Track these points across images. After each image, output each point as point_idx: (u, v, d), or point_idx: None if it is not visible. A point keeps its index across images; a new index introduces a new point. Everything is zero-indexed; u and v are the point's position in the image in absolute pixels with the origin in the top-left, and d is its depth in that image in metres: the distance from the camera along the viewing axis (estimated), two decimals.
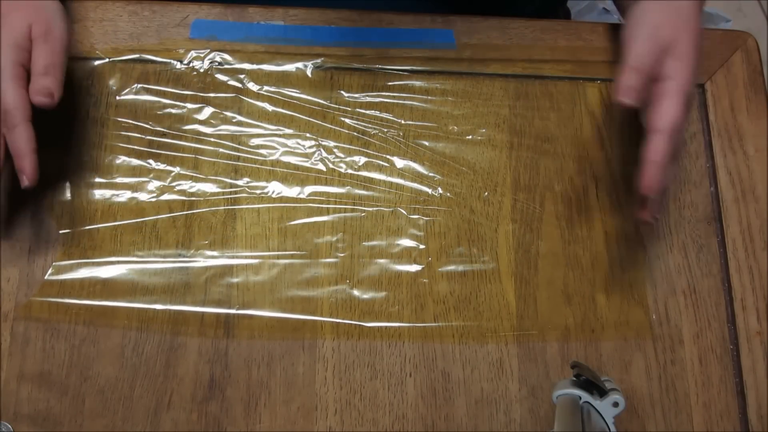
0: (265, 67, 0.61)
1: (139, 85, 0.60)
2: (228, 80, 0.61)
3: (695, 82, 0.53)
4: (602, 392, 0.47)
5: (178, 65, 0.61)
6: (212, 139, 0.59)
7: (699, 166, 0.61)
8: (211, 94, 0.60)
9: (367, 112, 0.61)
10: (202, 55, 0.61)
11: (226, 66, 0.61)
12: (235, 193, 0.58)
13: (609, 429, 0.46)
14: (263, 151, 0.59)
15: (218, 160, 0.59)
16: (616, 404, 0.47)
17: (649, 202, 0.54)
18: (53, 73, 0.51)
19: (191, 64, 0.61)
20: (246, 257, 0.56)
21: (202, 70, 0.61)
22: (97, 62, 0.60)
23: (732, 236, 0.59)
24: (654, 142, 0.51)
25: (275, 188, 0.58)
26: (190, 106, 0.60)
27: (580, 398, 0.47)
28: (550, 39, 0.64)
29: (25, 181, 0.50)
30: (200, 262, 0.56)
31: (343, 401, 0.54)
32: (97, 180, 0.57)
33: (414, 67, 0.62)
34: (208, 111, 0.60)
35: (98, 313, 0.54)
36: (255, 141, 0.59)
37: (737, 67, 0.64)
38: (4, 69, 0.50)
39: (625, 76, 0.52)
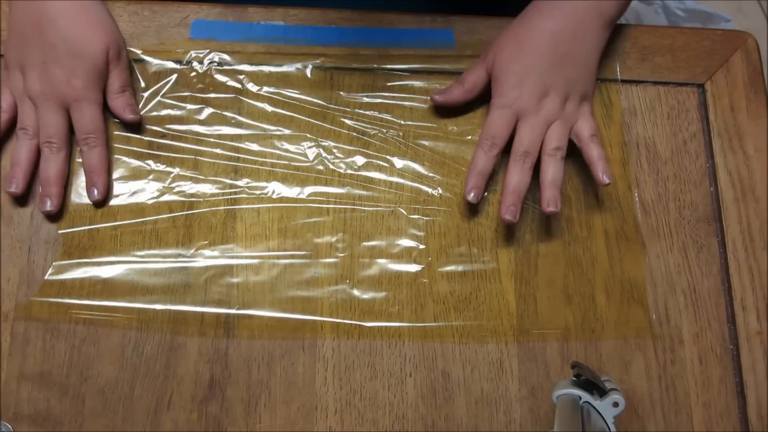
0: (265, 67, 0.61)
1: (139, 87, 0.60)
2: (227, 81, 0.61)
3: (520, 87, 0.58)
4: (602, 392, 0.47)
5: (178, 66, 0.61)
6: (212, 140, 0.59)
7: (699, 166, 0.61)
8: (211, 95, 0.60)
9: (367, 112, 0.61)
10: (201, 56, 0.61)
11: (225, 67, 0.61)
12: (235, 193, 0.58)
13: (609, 429, 0.46)
14: (263, 152, 0.59)
15: (218, 161, 0.59)
16: (616, 404, 0.47)
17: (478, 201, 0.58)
18: (129, 92, 0.58)
19: (191, 65, 0.61)
20: (246, 257, 0.56)
21: (201, 71, 0.61)
22: None
23: (732, 236, 0.59)
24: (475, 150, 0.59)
25: (275, 188, 0.58)
26: (189, 106, 0.60)
27: (580, 398, 0.47)
28: None
29: (97, 196, 0.56)
30: (200, 262, 0.56)
31: (343, 401, 0.54)
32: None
33: (414, 66, 0.62)
34: (207, 111, 0.60)
35: (98, 314, 0.54)
36: (255, 141, 0.59)
37: (737, 67, 0.64)
38: (88, 94, 0.56)
39: None
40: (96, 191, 0.56)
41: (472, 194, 0.57)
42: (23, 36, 0.55)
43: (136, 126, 0.59)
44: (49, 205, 0.55)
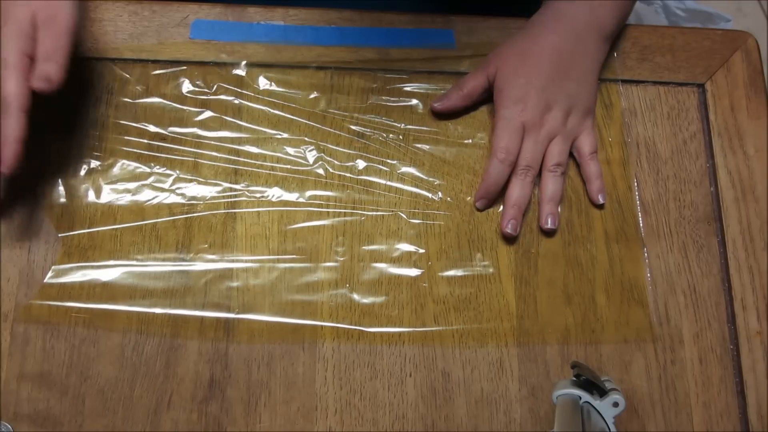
0: (265, 69, 0.61)
1: (139, 88, 0.60)
2: (227, 84, 0.60)
3: (525, 101, 0.58)
4: (602, 392, 0.47)
5: (178, 68, 0.61)
6: (212, 143, 0.59)
7: (699, 166, 0.61)
8: (211, 98, 0.60)
9: (367, 116, 0.61)
10: (201, 59, 0.61)
11: (225, 70, 0.61)
12: (235, 196, 0.58)
13: (609, 429, 0.46)
14: (263, 155, 0.59)
15: (218, 164, 0.59)
16: (616, 404, 0.47)
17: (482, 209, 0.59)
18: (55, 58, 0.50)
19: (191, 68, 0.61)
20: (246, 261, 0.56)
21: (201, 73, 0.61)
22: (96, 63, 0.60)
23: (732, 236, 0.59)
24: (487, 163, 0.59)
25: (275, 192, 0.58)
26: (189, 109, 0.60)
27: (580, 398, 0.47)
28: None
29: (3, 167, 0.49)
30: (200, 266, 0.56)
31: (343, 401, 0.54)
32: (97, 183, 0.57)
33: (413, 65, 0.62)
34: (207, 114, 0.60)
35: (98, 316, 0.54)
36: (255, 144, 0.59)
37: (737, 67, 0.64)
38: (6, 58, 0.50)
39: None
40: (2, 165, 0.49)
41: (480, 202, 0.58)
42: None
43: (136, 129, 0.59)
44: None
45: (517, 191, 0.58)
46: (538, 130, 0.58)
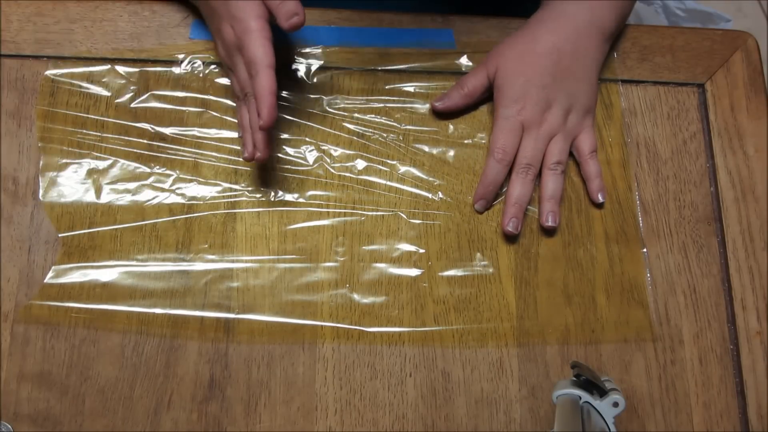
0: None
1: (139, 88, 0.60)
2: (227, 84, 0.60)
3: (525, 100, 0.58)
4: (602, 392, 0.47)
5: (178, 69, 0.61)
6: (212, 143, 0.59)
7: (699, 166, 0.61)
8: (211, 98, 0.60)
9: (367, 116, 0.61)
10: (201, 59, 0.61)
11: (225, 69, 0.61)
12: (235, 196, 0.58)
13: (609, 429, 0.46)
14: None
15: (218, 164, 0.59)
16: (616, 404, 0.47)
17: (482, 209, 0.59)
18: None
19: (190, 68, 0.61)
20: (246, 261, 0.56)
21: (201, 75, 0.61)
22: (97, 65, 0.60)
23: (732, 236, 0.59)
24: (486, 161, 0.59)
25: (275, 192, 0.58)
26: (189, 109, 0.60)
27: (580, 398, 0.47)
28: None
29: (260, 122, 0.52)
30: (200, 266, 0.56)
31: (343, 401, 0.54)
32: (97, 183, 0.57)
33: (413, 65, 0.62)
34: (207, 115, 0.60)
35: (98, 316, 0.54)
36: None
37: (737, 67, 0.64)
38: (247, 25, 0.52)
39: None
40: (260, 120, 0.52)
41: (479, 204, 0.58)
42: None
43: (136, 129, 0.59)
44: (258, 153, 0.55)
45: (518, 189, 0.58)
46: (538, 128, 0.58)
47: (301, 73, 0.61)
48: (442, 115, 0.61)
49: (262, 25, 0.53)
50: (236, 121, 0.59)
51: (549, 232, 0.58)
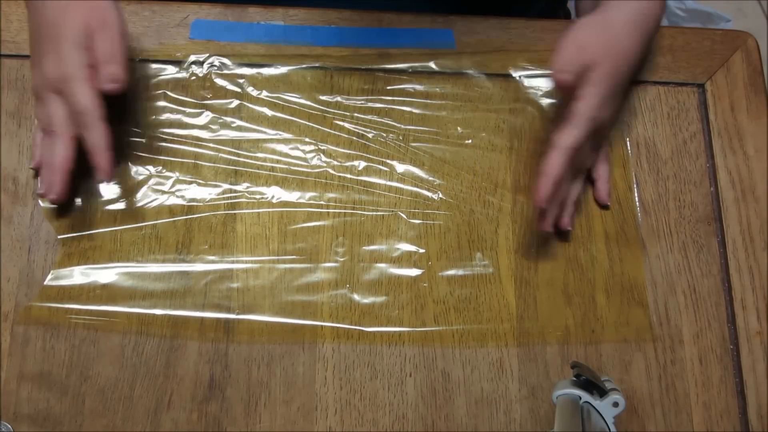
0: (265, 70, 0.61)
1: (139, 88, 0.60)
2: (227, 85, 0.61)
3: (606, 105, 0.55)
4: (602, 392, 0.47)
5: (177, 70, 0.61)
6: (212, 144, 0.59)
7: (699, 166, 0.61)
8: (211, 99, 0.60)
9: (367, 116, 0.61)
10: (201, 60, 0.61)
11: (225, 70, 0.61)
12: (235, 197, 0.58)
13: (609, 429, 0.46)
14: (263, 156, 0.59)
15: (218, 165, 0.59)
16: (616, 404, 0.47)
17: (548, 213, 0.56)
18: (116, 60, 0.52)
19: (190, 69, 0.61)
20: (246, 261, 0.56)
21: (201, 75, 0.61)
22: None
23: (732, 236, 0.59)
24: (551, 157, 0.53)
25: (275, 192, 0.58)
26: (189, 110, 0.60)
27: (580, 398, 0.47)
28: (550, 39, 0.64)
29: (102, 176, 0.52)
30: (200, 267, 0.56)
31: (343, 401, 0.54)
32: (97, 184, 0.57)
33: (413, 65, 0.62)
34: (207, 116, 0.60)
35: (98, 318, 0.54)
36: (254, 145, 0.59)
37: (737, 67, 0.64)
38: (72, 74, 0.51)
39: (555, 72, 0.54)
40: (102, 174, 0.52)
41: (545, 202, 0.54)
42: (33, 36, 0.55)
43: (135, 130, 0.59)
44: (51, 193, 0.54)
45: (578, 189, 0.59)
46: (600, 136, 0.58)
47: (301, 73, 0.61)
48: (442, 113, 0.61)
49: (89, 74, 0.51)
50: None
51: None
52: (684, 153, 0.62)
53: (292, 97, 0.61)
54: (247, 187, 0.58)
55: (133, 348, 0.54)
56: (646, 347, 0.57)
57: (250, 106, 0.60)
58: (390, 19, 0.63)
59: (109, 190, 0.57)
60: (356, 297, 0.56)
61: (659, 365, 0.56)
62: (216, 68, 0.61)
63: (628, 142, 0.62)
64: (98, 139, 0.51)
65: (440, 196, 0.59)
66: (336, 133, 0.60)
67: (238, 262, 0.56)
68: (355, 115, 0.61)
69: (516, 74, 0.63)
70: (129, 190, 0.57)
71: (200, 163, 0.58)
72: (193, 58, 0.61)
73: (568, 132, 0.53)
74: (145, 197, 0.57)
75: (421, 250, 0.58)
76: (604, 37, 0.55)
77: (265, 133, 0.60)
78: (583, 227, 0.59)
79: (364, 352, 0.55)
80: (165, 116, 0.59)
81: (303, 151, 0.60)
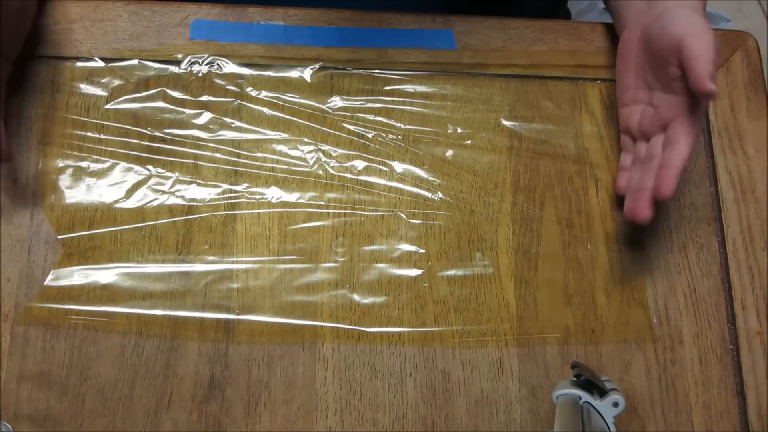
0: (264, 71, 0.61)
1: (139, 88, 0.60)
2: (226, 85, 0.61)
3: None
4: (602, 392, 0.47)
5: (177, 70, 0.61)
6: (211, 144, 0.59)
7: (699, 166, 0.61)
8: (210, 99, 0.60)
9: (367, 116, 0.61)
10: (200, 60, 0.61)
11: (224, 71, 0.61)
12: (235, 197, 0.58)
13: (609, 429, 0.46)
14: (262, 156, 0.59)
15: (217, 166, 0.59)
16: (616, 404, 0.47)
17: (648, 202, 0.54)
18: None
19: (190, 69, 0.61)
20: (246, 262, 0.56)
21: (200, 75, 0.61)
22: (96, 65, 0.60)
23: (732, 236, 0.59)
24: (679, 153, 0.52)
25: (274, 193, 0.58)
26: (188, 111, 0.60)
27: (580, 398, 0.47)
28: (550, 39, 0.64)
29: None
30: (200, 267, 0.56)
31: (343, 401, 0.54)
32: (97, 184, 0.57)
33: (414, 68, 0.62)
34: (206, 116, 0.60)
35: (98, 318, 0.54)
36: (254, 146, 0.59)
37: (737, 67, 0.64)
38: None
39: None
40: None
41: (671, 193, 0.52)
42: None
43: (135, 131, 0.59)
44: None
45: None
46: None
47: (301, 73, 0.61)
48: (441, 113, 0.61)
49: None
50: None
51: (549, 232, 0.58)
52: None
53: (292, 98, 0.61)
54: (247, 188, 0.58)
55: (133, 348, 0.54)
56: (646, 347, 0.57)
57: (250, 106, 0.60)
58: (390, 19, 0.63)
59: (109, 190, 0.57)
60: (356, 297, 0.56)
61: (659, 365, 0.56)
62: (215, 68, 0.61)
63: None
64: None
65: (440, 196, 0.59)
66: (336, 133, 0.60)
67: (238, 262, 0.56)
68: (356, 115, 0.61)
69: (515, 74, 0.63)
70: (129, 190, 0.57)
71: (200, 163, 0.58)
72: (192, 58, 0.61)
73: (685, 153, 0.52)
74: (145, 197, 0.57)
75: (421, 250, 0.58)
76: (707, 26, 0.52)
77: (264, 133, 0.60)
78: (583, 227, 0.59)
79: (364, 352, 0.55)
80: (165, 116, 0.59)
81: (303, 151, 0.60)
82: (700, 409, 0.55)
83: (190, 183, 0.58)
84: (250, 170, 0.59)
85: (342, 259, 0.57)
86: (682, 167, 0.51)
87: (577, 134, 0.62)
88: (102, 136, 0.58)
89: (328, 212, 0.58)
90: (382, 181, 0.59)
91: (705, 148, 0.62)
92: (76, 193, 0.57)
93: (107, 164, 0.58)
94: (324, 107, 0.61)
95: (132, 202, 0.57)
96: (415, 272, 0.57)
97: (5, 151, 0.52)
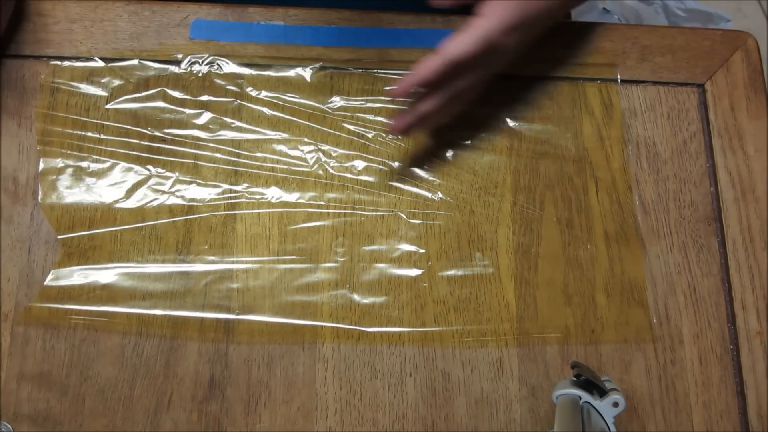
0: (264, 71, 0.61)
1: (139, 88, 0.60)
2: (226, 85, 0.61)
3: (508, 35, 0.52)
4: (602, 392, 0.47)
5: (177, 70, 0.61)
6: (211, 144, 0.59)
7: (699, 166, 0.61)
8: (210, 99, 0.60)
9: (367, 116, 0.61)
10: (200, 60, 0.61)
11: (224, 71, 0.61)
12: (235, 197, 0.58)
13: (609, 429, 0.46)
14: (262, 156, 0.59)
15: (217, 166, 0.59)
16: (616, 404, 0.47)
17: (403, 116, 0.55)
18: None
19: (190, 69, 0.61)
20: (246, 262, 0.56)
21: (200, 75, 0.61)
22: (96, 65, 0.60)
23: (732, 236, 0.59)
24: (428, 58, 0.51)
25: (274, 193, 0.58)
26: (188, 111, 0.60)
27: (580, 398, 0.47)
28: (550, 39, 0.64)
29: None
30: (200, 267, 0.56)
31: (343, 401, 0.54)
32: (97, 184, 0.57)
33: (413, 65, 0.62)
34: (206, 116, 0.60)
35: (98, 318, 0.54)
36: (254, 146, 0.59)
37: (737, 67, 0.64)
38: None
39: None
40: None
41: (400, 93, 0.53)
42: None
43: (135, 131, 0.59)
44: None
45: (437, 112, 0.56)
46: (485, 63, 0.55)
47: (301, 73, 0.61)
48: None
49: None
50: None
51: (549, 232, 0.58)
52: (684, 153, 0.62)
53: (292, 98, 0.61)
54: (247, 188, 0.58)
55: (133, 348, 0.54)
56: (646, 347, 0.57)
57: (250, 106, 0.60)
58: (390, 19, 0.63)
59: (109, 190, 0.57)
60: (356, 297, 0.56)
61: (659, 365, 0.56)
62: (215, 68, 0.61)
63: (628, 142, 0.62)
64: None
65: (440, 196, 0.59)
66: (336, 133, 0.60)
67: (238, 262, 0.56)
68: (356, 114, 0.61)
69: (515, 74, 0.63)
70: (128, 190, 0.57)
71: (200, 163, 0.58)
72: (192, 58, 0.61)
73: (458, 41, 0.51)
74: (145, 197, 0.57)
75: (421, 250, 0.58)
76: None
77: (264, 133, 0.60)
78: (583, 227, 0.59)
79: (364, 352, 0.55)
80: (165, 116, 0.59)
81: (303, 151, 0.60)
82: (700, 409, 0.55)
83: (190, 183, 0.58)
84: (250, 170, 0.59)
85: (342, 259, 0.57)
86: (415, 78, 0.51)
87: (577, 134, 0.62)
88: (102, 136, 0.59)
89: (328, 212, 0.58)
90: (382, 181, 0.59)
91: (705, 148, 0.62)
92: (76, 193, 0.57)
93: (107, 164, 0.58)
94: (324, 107, 0.61)
95: (132, 202, 0.57)
96: (415, 272, 0.57)
97: None
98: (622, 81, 0.63)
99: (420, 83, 0.51)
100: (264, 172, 0.59)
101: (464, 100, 0.57)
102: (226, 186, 0.58)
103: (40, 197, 0.57)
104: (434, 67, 0.51)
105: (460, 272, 0.57)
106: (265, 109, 0.60)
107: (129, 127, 0.59)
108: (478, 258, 0.58)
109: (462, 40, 0.51)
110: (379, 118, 0.61)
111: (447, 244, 0.58)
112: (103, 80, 0.60)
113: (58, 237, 0.56)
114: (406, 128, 0.56)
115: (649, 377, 0.56)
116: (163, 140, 0.59)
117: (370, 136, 0.60)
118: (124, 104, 0.59)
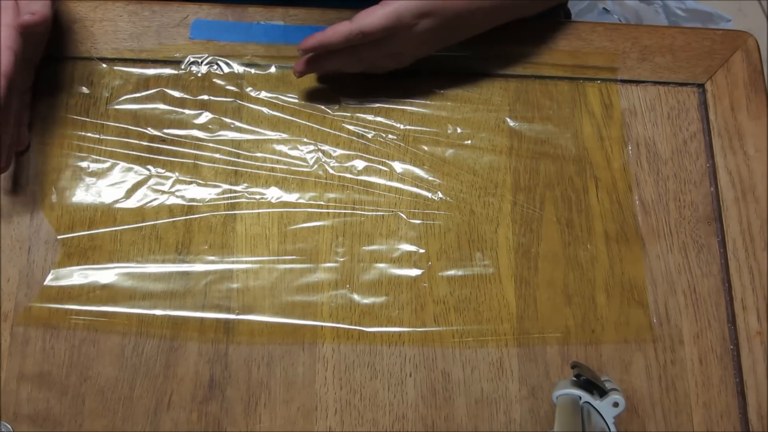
0: (264, 71, 0.61)
1: (139, 88, 0.60)
2: (226, 85, 0.61)
3: (425, 19, 0.54)
4: (602, 392, 0.47)
5: (177, 70, 0.61)
6: (211, 145, 0.59)
7: (699, 166, 0.61)
8: (210, 99, 0.60)
9: (367, 116, 0.61)
10: (200, 60, 0.61)
11: (224, 71, 0.61)
12: (235, 197, 0.58)
13: (609, 429, 0.46)
14: (262, 156, 0.59)
15: (217, 166, 0.59)
16: (616, 404, 0.47)
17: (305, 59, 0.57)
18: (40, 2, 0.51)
19: (190, 69, 0.61)
20: (246, 262, 0.56)
21: (200, 75, 0.61)
22: (96, 65, 0.60)
23: (732, 236, 0.59)
24: (339, 23, 0.54)
25: (274, 193, 0.58)
26: (188, 111, 0.60)
27: (580, 398, 0.47)
28: (550, 39, 0.64)
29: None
30: (200, 267, 0.56)
31: (343, 401, 0.54)
32: (97, 184, 0.57)
33: (413, 66, 0.62)
34: (206, 116, 0.60)
35: (98, 318, 0.54)
36: (254, 146, 0.59)
37: (737, 67, 0.64)
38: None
39: None
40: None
41: (306, 47, 0.55)
42: None
43: (135, 131, 0.59)
44: None
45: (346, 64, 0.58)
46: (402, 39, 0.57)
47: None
48: (441, 113, 0.61)
49: (8, 34, 0.49)
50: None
51: (549, 232, 0.58)
52: (684, 153, 0.62)
53: (292, 98, 0.61)
54: (247, 188, 0.58)
55: (133, 348, 0.54)
56: (646, 347, 0.57)
57: (250, 106, 0.60)
58: None
59: (109, 190, 0.57)
60: (356, 297, 0.56)
61: (659, 365, 0.56)
62: (215, 68, 0.61)
63: (628, 142, 0.62)
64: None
65: (440, 196, 0.59)
66: (336, 133, 0.60)
67: (238, 262, 0.56)
68: (356, 115, 0.61)
69: (515, 74, 0.63)
70: (128, 190, 0.57)
71: (200, 163, 0.58)
72: (192, 58, 0.61)
73: (370, 12, 0.53)
74: (145, 197, 0.57)
75: (421, 251, 0.58)
76: None
77: (264, 133, 0.60)
78: (583, 227, 0.59)
79: (364, 352, 0.55)
80: (165, 116, 0.59)
81: (302, 151, 0.60)
82: (701, 409, 0.55)
83: (190, 183, 0.58)
84: (250, 170, 0.59)
85: (342, 259, 0.57)
86: (321, 39, 0.54)
87: (577, 134, 0.62)
88: (102, 136, 0.59)
89: (328, 212, 0.58)
90: (382, 181, 0.59)
91: (705, 148, 0.62)
92: (76, 193, 0.57)
93: (107, 164, 0.58)
94: (324, 107, 0.61)
95: (132, 202, 0.57)
96: (415, 272, 0.57)
97: (4, 164, 0.53)
98: (622, 81, 0.63)
99: (324, 46, 0.54)
100: (264, 172, 0.59)
101: (374, 67, 0.59)
102: (225, 186, 0.58)
103: (40, 197, 0.57)
104: (341, 32, 0.53)
105: (460, 272, 0.57)
106: (265, 109, 0.60)
107: (129, 127, 0.59)
108: (478, 258, 0.58)
109: (373, 12, 0.53)
110: (379, 119, 0.61)
111: (447, 244, 0.58)
112: (103, 80, 0.60)
113: (58, 237, 0.56)
114: (304, 72, 0.58)
115: (649, 377, 0.56)
116: (162, 140, 0.59)
117: (370, 136, 0.60)
118: (123, 104, 0.59)
